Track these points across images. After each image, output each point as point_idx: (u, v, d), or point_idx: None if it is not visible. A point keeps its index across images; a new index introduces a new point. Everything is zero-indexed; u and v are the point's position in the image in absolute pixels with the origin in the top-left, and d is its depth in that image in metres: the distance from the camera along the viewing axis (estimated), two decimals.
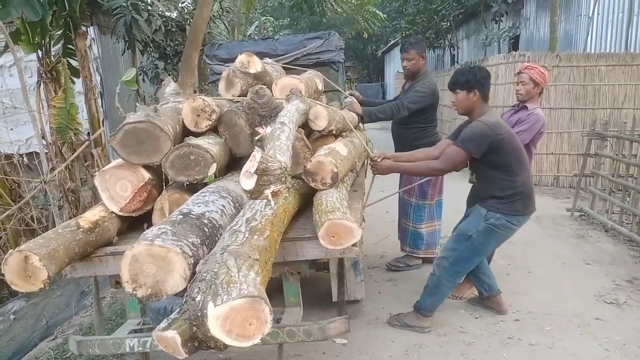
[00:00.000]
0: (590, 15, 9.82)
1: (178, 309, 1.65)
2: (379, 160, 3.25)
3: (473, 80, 3.16)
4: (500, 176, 3.15)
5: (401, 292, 4.12)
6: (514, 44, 13.27)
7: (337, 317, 2.44)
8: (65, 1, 5.43)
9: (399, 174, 4.19)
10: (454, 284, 3.43)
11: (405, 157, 3.49)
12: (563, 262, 4.68)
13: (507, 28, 12.96)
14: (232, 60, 3.56)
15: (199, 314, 1.49)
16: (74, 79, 6.08)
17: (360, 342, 3.36)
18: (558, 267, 4.57)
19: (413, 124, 4.28)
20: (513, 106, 4.13)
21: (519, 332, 3.40)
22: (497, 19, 12.76)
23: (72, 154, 5.57)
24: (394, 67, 26.67)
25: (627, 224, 5.48)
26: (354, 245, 2.27)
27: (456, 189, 4.58)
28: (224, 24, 11.08)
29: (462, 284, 3.92)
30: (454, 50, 17.51)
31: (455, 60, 17.29)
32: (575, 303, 3.81)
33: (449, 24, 15.84)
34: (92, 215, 2.45)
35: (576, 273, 4.41)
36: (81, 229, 2.31)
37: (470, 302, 3.84)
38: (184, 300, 1.57)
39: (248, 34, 15.41)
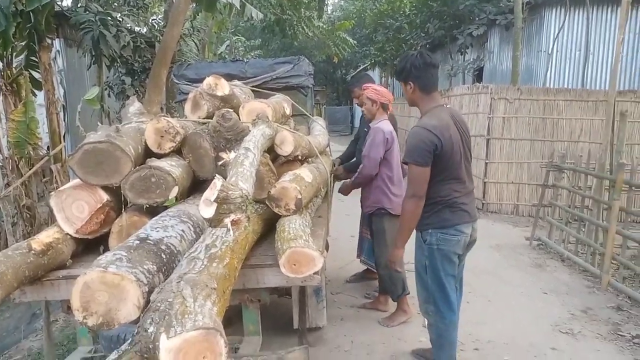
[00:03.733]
0: (550, 51, 10.29)
1: (130, 339, 1.59)
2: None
3: (405, 71, 2.86)
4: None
5: (364, 319, 4.10)
6: (478, 76, 13.73)
7: (297, 346, 2.41)
8: (31, 13, 5.31)
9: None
10: (452, 319, 3.02)
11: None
12: (522, 291, 4.78)
13: (471, 60, 13.43)
14: (200, 80, 3.54)
15: (150, 346, 1.43)
16: (36, 91, 5.92)
17: None
18: (517, 296, 4.66)
19: None
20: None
21: None
22: (462, 50, 13.21)
23: (30, 169, 5.38)
24: None
25: (582, 253, 5.66)
26: (316, 273, 2.26)
27: None
28: (195, 43, 11.04)
29: (397, 310, 4.06)
30: None
31: None
32: (532, 333, 3.88)
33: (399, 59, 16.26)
34: (45, 236, 2.36)
35: (534, 303, 4.50)
36: (33, 252, 2.21)
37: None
38: (136, 331, 1.51)
39: (219, 52, 15.40)
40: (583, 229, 5.72)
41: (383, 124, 3.91)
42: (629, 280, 4.90)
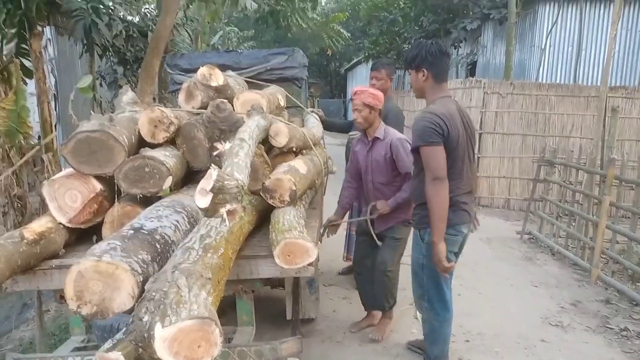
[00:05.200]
0: (543, 47, 10.32)
1: (124, 328, 1.59)
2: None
3: (419, 58, 2.76)
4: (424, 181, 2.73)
5: (356, 311, 4.11)
6: (471, 70, 13.76)
7: (290, 336, 2.42)
8: (22, 0, 5.24)
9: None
10: (446, 317, 3.01)
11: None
12: (511, 283, 4.82)
13: (465, 54, 13.44)
14: (194, 71, 3.52)
15: (145, 335, 1.43)
16: (27, 80, 5.85)
17: None
18: (506, 288, 4.70)
19: None
20: (354, 134, 4.08)
21: (468, 353, 3.47)
22: (456, 44, 13.21)
23: (21, 158, 5.32)
24: (356, 84, 27.07)
25: (572, 247, 5.72)
26: (310, 264, 2.27)
27: None
28: (188, 33, 10.95)
29: (381, 320, 3.75)
30: None
31: None
32: (522, 325, 3.92)
33: (410, 47, 16.29)
34: (38, 226, 2.34)
35: (523, 295, 4.55)
36: (25, 241, 2.19)
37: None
38: (131, 320, 1.51)
39: (212, 43, 15.28)
40: (573, 224, 5.77)
41: (392, 132, 3.48)
42: (618, 274, 4.96)
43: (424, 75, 2.78)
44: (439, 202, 2.65)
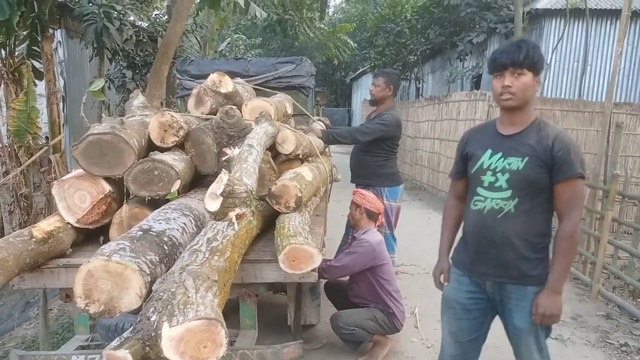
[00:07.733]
0: (548, 62, 10.37)
1: (131, 327, 1.62)
2: None
3: (541, 62, 2.12)
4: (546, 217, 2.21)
5: None
6: (477, 83, 13.81)
7: (292, 341, 2.45)
8: (35, 3, 5.33)
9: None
10: None
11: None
12: None
13: (470, 67, 13.50)
14: (203, 77, 3.59)
15: (153, 334, 1.47)
16: (37, 81, 5.92)
17: None
18: None
19: (377, 153, 4.32)
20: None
21: None
22: (461, 57, 13.28)
23: (29, 158, 5.39)
24: (362, 94, 27.20)
25: (573, 262, 5.71)
26: (314, 270, 2.30)
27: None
28: (196, 39, 11.07)
29: (373, 347, 3.49)
30: (419, 83, 18.07)
31: (420, 93, 17.82)
32: None
33: (416, 58, 16.38)
34: (46, 225, 2.39)
35: None
36: (34, 239, 2.24)
37: None
38: (139, 319, 1.54)
39: (220, 50, 15.43)
40: None
41: (370, 235, 3.39)
42: (619, 290, 4.96)
43: (538, 84, 2.15)
44: (575, 250, 2.23)
